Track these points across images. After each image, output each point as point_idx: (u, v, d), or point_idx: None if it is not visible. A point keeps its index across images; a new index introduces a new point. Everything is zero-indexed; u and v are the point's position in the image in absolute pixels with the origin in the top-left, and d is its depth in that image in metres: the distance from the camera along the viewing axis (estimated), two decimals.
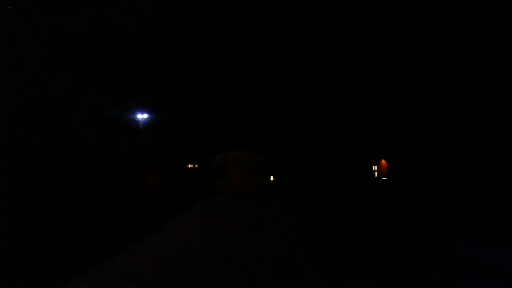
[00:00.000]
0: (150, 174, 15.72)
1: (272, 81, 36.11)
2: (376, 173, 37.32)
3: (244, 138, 36.27)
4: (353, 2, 28.79)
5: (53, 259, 5.74)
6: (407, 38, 29.12)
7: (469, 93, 26.43)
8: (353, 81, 33.45)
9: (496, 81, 25.11)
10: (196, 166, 24.56)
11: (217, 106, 35.48)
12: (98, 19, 23.57)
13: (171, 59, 29.09)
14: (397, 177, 32.82)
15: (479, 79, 26.18)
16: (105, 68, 23.37)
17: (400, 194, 23.16)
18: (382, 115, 34.20)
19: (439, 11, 26.82)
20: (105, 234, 8.58)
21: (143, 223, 10.71)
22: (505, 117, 24.29)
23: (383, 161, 36.59)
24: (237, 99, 36.32)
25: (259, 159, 34.03)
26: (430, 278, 5.79)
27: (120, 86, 23.35)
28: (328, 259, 6.73)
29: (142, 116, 21.48)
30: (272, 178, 36.37)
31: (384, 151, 35.66)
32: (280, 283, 5.23)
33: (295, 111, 37.47)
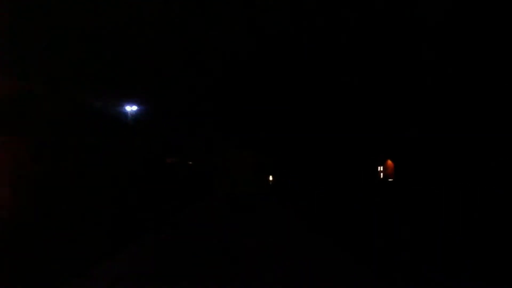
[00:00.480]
0: None
1: (273, 81, 35.82)
2: (382, 174, 36.62)
3: (244, 138, 35.92)
4: (356, 4, 28.63)
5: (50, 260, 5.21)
6: (413, 39, 28.92)
7: (478, 94, 26.16)
8: (355, 80, 33.14)
9: (501, 83, 24.92)
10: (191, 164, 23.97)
11: (217, 106, 35.19)
12: (91, 11, 23.17)
13: (173, 59, 28.82)
14: (404, 178, 32.14)
15: (484, 80, 25.97)
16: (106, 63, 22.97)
17: (403, 195, 22.79)
18: (386, 114, 33.71)
19: (444, 12, 26.69)
20: None
21: None
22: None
23: (389, 162, 35.90)
24: (237, 99, 36.04)
25: (259, 159, 33.66)
26: (432, 279, 5.81)
27: (116, 80, 22.91)
28: (327, 259, 6.76)
29: (130, 108, 20.95)
30: (272, 178, 35.95)
31: (391, 151, 35.01)
32: (280, 285, 5.29)
33: (295, 111, 37.08)
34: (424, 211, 15.34)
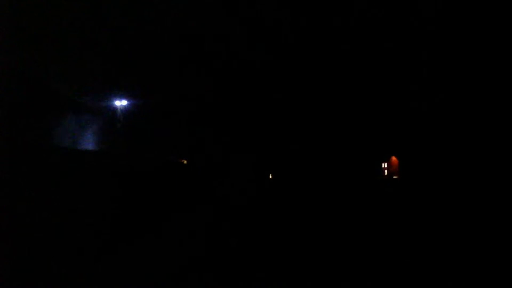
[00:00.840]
0: None
1: (276, 77, 35.60)
2: (386, 171, 36.30)
3: (244, 136, 35.72)
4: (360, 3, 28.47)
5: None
6: (420, 36, 28.88)
7: (481, 92, 26.16)
8: (355, 77, 33.02)
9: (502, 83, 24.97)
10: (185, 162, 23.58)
11: (217, 104, 34.98)
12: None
13: (174, 56, 28.62)
14: (409, 175, 31.85)
15: (486, 80, 26.00)
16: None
17: (407, 194, 22.61)
18: (390, 110, 33.51)
19: (447, 11, 26.70)
20: None
21: None
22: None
23: (393, 158, 35.61)
24: (237, 97, 35.86)
25: (259, 158, 33.56)
26: (432, 279, 5.93)
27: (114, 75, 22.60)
28: (326, 259, 6.76)
29: (120, 103, 20.60)
30: (272, 176, 35.78)
31: (395, 146, 34.74)
32: (279, 282, 5.42)
33: (298, 108, 36.88)
34: (427, 210, 15.29)
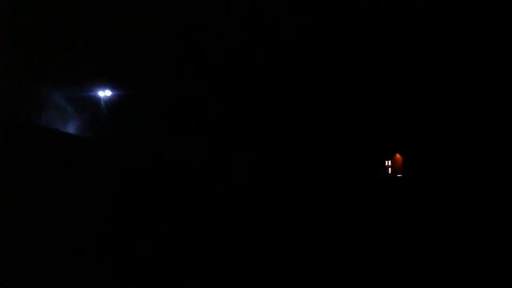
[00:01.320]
0: None
1: (277, 72, 35.69)
2: (390, 169, 36.44)
3: (244, 135, 35.74)
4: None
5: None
6: (428, 32, 29.11)
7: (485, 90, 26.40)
8: (358, 74, 33.15)
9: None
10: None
11: (215, 103, 34.98)
12: None
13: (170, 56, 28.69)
14: (414, 173, 32.04)
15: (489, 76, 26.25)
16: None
17: (411, 194, 22.73)
18: (394, 105, 33.62)
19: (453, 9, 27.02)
20: None
21: None
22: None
23: (397, 156, 35.74)
24: (235, 95, 35.90)
25: (259, 157, 33.65)
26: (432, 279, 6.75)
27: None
28: (325, 259, 6.81)
29: (104, 93, 20.82)
30: (274, 175, 35.85)
31: (399, 144, 34.89)
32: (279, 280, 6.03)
33: (298, 103, 36.93)
34: (431, 210, 15.40)
